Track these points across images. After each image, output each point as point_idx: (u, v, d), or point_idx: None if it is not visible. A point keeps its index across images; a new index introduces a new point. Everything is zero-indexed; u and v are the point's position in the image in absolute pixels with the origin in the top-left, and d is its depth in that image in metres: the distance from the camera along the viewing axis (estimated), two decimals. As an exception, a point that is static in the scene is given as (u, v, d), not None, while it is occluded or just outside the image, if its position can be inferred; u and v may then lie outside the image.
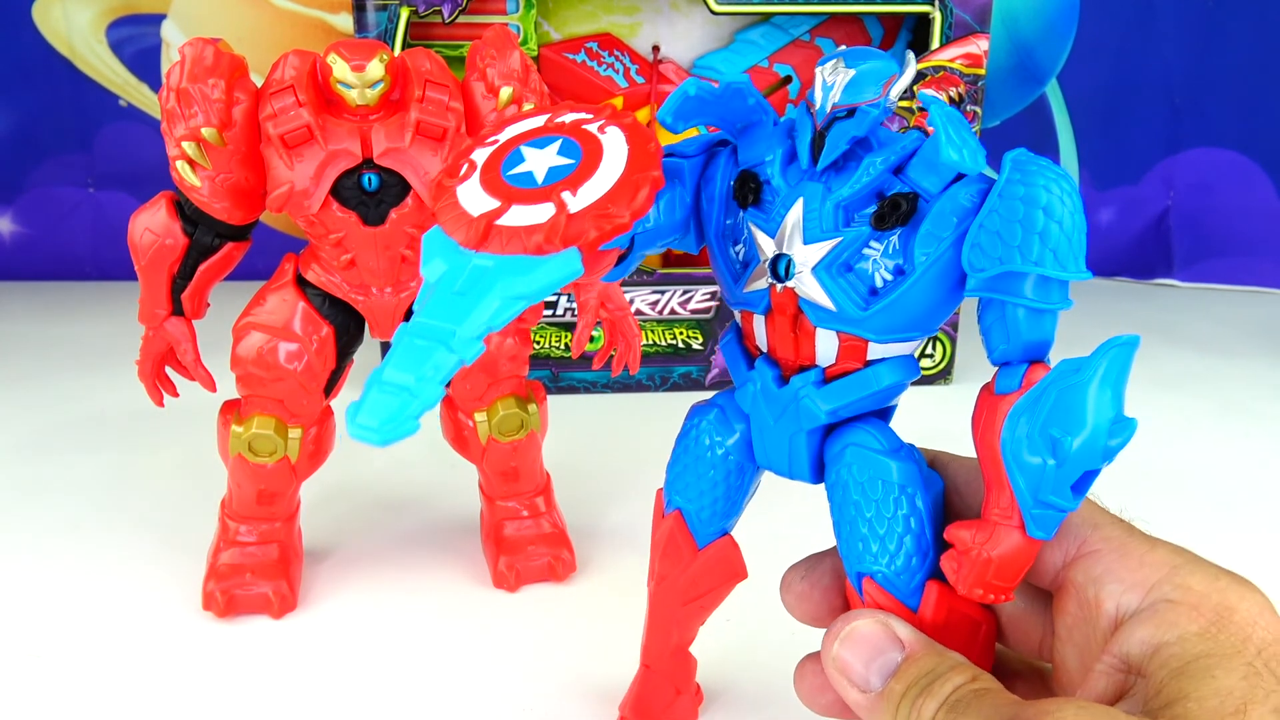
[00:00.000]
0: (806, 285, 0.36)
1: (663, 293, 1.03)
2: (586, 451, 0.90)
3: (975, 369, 1.07)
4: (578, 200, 0.33)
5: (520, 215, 0.33)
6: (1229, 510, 0.82)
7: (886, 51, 1.08)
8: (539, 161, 0.35)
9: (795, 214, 0.36)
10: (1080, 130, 1.58)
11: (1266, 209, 1.58)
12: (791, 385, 0.38)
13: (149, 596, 0.68)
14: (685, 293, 1.03)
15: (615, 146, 0.35)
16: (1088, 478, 0.32)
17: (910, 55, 0.35)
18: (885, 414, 0.39)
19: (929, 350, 1.05)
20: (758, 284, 0.37)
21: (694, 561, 0.44)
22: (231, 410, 0.65)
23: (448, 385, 0.68)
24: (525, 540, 0.70)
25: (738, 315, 0.40)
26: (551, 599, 0.68)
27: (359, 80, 0.57)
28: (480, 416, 0.67)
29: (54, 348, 1.19)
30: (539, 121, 0.37)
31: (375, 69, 0.57)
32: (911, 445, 0.38)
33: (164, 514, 0.79)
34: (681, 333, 1.04)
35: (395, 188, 0.59)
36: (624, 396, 1.05)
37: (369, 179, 0.59)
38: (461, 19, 0.94)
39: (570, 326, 1.03)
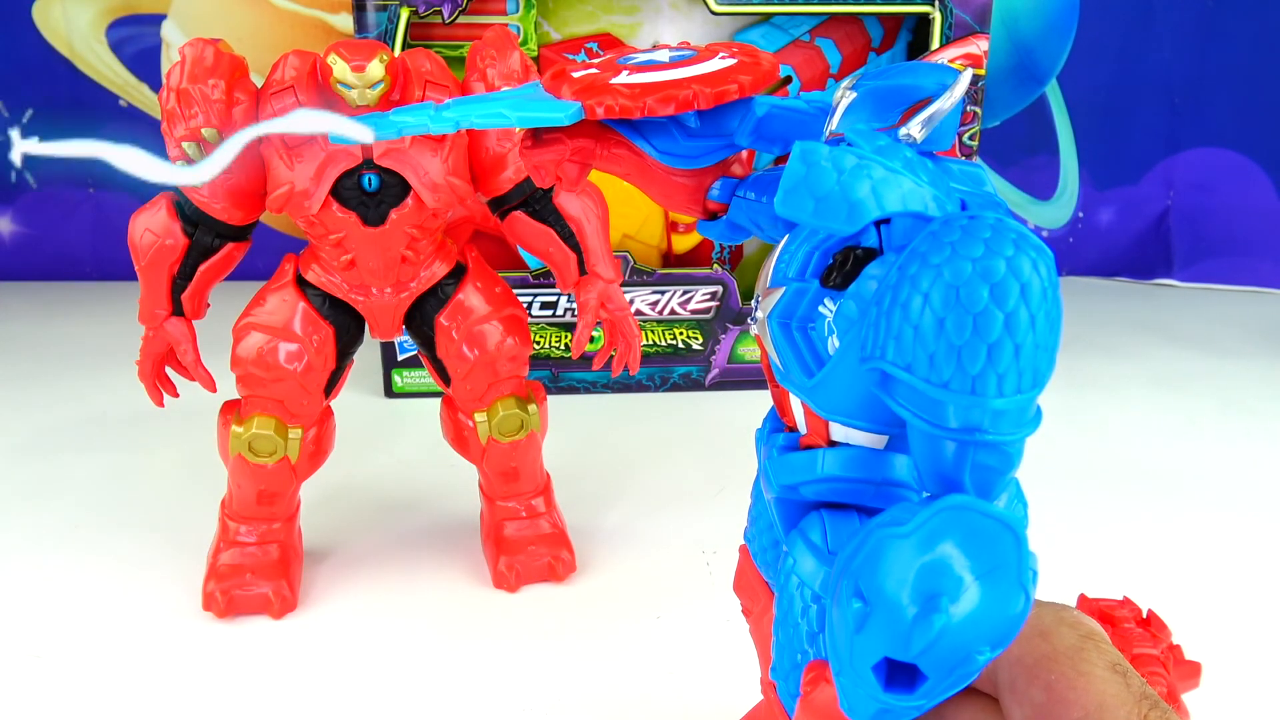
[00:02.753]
0: (764, 333, 0.31)
1: (663, 293, 1.03)
2: (586, 451, 0.90)
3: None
4: (625, 79, 0.34)
5: (580, 70, 0.35)
6: (1229, 510, 0.82)
7: (884, 54, 1.08)
8: (654, 57, 0.36)
9: (778, 250, 0.32)
10: (1080, 130, 1.59)
11: (1266, 209, 1.58)
12: (769, 443, 0.33)
13: (149, 597, 0.68)
14: (685, 293, 1.03)
15: (711, 65, 0.34)
16: (911, 674, 0.23)
17: (959, 79, 0.28)
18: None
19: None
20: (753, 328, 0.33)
21: (770, 607, 0.38)
22: (231, 410, 0.65)
23: (447, 384, 0.68)
24: (525, 540, 0.70)
25: None
26: (551, 599, 0.68)
27: (359, 81, 0.57)
28: (480, 417, 0.67)
29: (54, 348, 1.19)
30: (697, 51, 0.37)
31: (375, 69, 0.57)
32: None
33: (164, 514, 0.79)
34: (681, 333, 1.04)
35: (395, 188, 0.59)
36: (624, 396, 1.05)
37: (369, 179, 0.59)
38: (461, 19, 0.94)
39: (570, 327, 1.03)
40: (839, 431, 0.30)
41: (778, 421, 0.33)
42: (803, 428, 0.32)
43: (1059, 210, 1.62)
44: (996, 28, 1.47)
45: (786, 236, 0.32)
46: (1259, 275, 1.58)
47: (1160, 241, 1.61)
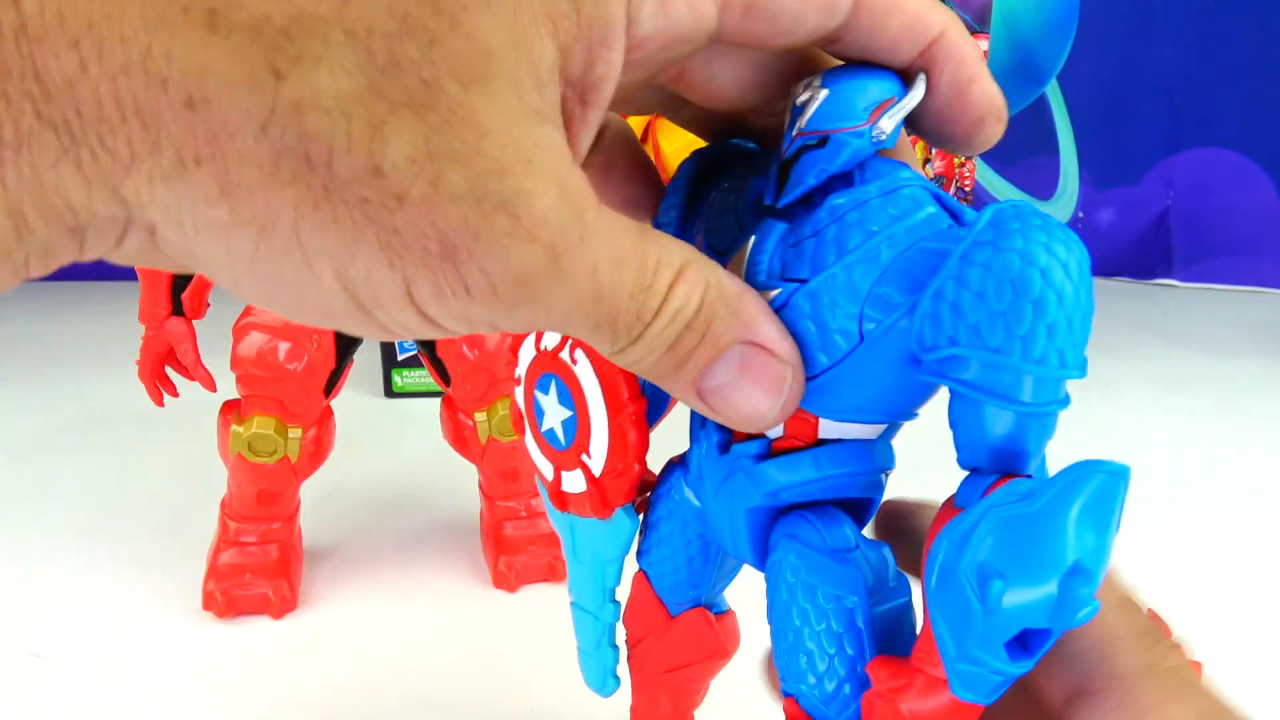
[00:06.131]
0: None
1: (663, 293, 1.03)
2: (586, 451, 0.90)
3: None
4: (595, 460, 0.36)
5: (570, 482, 0.37)
6: (1229, 510, 0.82)
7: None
8: (553, 415, 0.38)
9: (742, 254, 0.30)
10: (1080, 130, 1.59)
11: (1266, 209, 1.59)
12: (731, 454, 0.32)
13: (149, 596, 0.68)
14: (685, 293, 1.03)
15: (589, 380, 0.36)
16: (1035, 638, 0.25)
17: (921, 77, 0.29)
18: (860, 507, 0.32)
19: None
20: None
21: (667, 630, 0.40)
22: (231, 410, 0.65)
23: (447, 384, 0.68)
24: (525, 540, 0.70)
25: None
26: (551, 599, 0.68)
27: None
28: (480, 416, 0.67)
29: (54, 348, 1.19)
30: (531, 350, 0.38)
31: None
32: (875, 544, 0.31)
33: (164, 514, 0.79)
34: (681, 333, 1.04)
35: (395, 188, 0.59)
36: (624, 396, 1.05)
37: (369, 179, 0.59)
38: (461, 19, 0.94)
39: (570, 326, 1.03)
40: (831, 429, 0.30)
41: (720, 434, 0.33)
42: (776, 432, 0.31)
43: (1059, 210, 1.62)
44: (996, 28, 1.47)
45: (753, 239, 0.30)
46: (1259, 275, 1.58)
47: (1160, 241, 1.62)
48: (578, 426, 0.37)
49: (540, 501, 0.71)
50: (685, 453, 0.37)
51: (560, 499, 0.38)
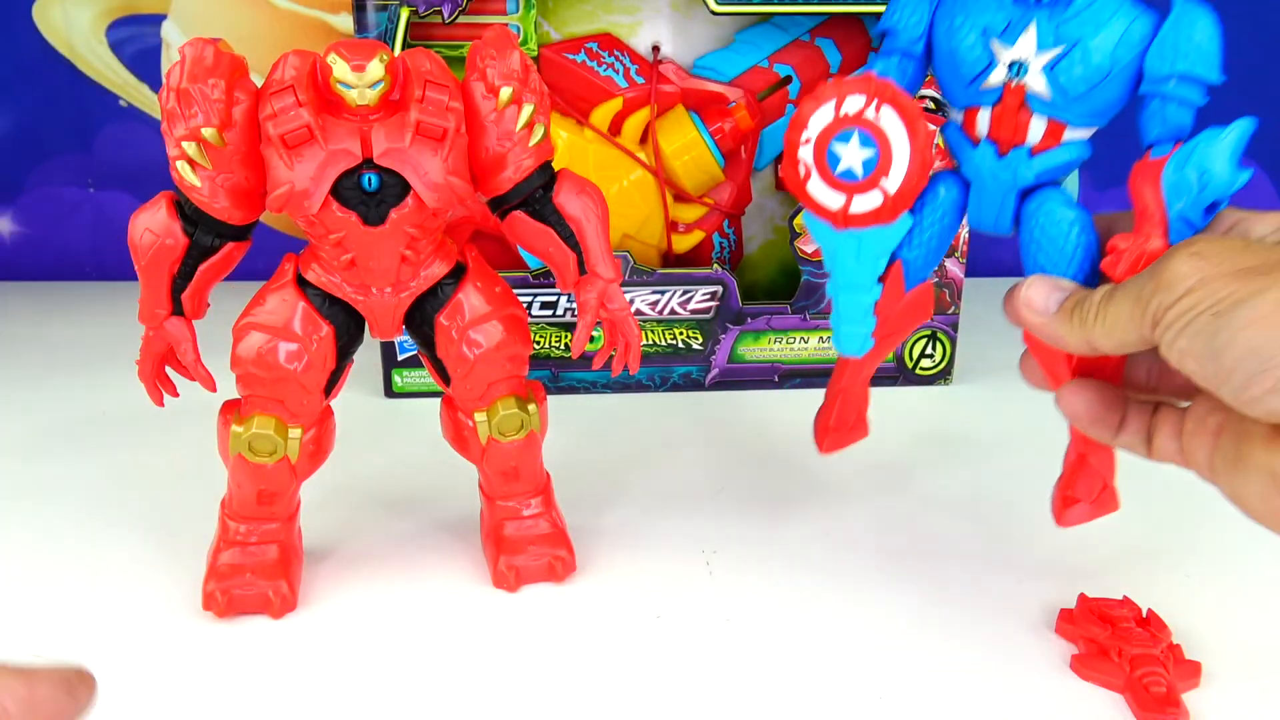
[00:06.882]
0: (1034, 82, 0.52)
1: (663, 293, 1.03)
2: (586, 451, 0.90)
3: (974, 370, 1.07)
4: (892, 180, 0.54)
5: (862, 204, 0.55)
6: (1229, 509, 0.81)
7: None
8: (852, 158, 0.54)
9: (1030, 32, 0.51)
10: (1080, 130, 1.59)
11: (1266, 209, 1.59)
12: (1010, 156, 0.54)
13: (149, 596, 0.68)
14: (685, 293, 1.03)
15: (894, 127, 0.53)
16: (1214, 208, 0.49)
17: None
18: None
19: (929, 350, 1.05)
20: (994, 82, 0.53)
21: (898, 302, 0.59)
22: (231, 410, 0.65)
23: (447, 384, 0.68)
24: (525, 540, 0.70)
25: (958, 115, 0.55)
26: (551, 599, 0.68)
27: (359, 80, 0.57)
28: (480, 416, 0.67)
29: (54, 348, 1.19)
30: (829, 114, 0.54)
31: (375, 69, 0.57)
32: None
33: (164, 514, 0.79)
34: (681, 333, 1.04)
35: (395, 188, 0.59)
36: (624, 396, 1.05)
37: (369, 179, 0.59)
38: (461, 19, 0.94)
39: (570, 326, 1.03)
40: (1070, 135, 0.53)
41: (993, 144, 0.54)
42: (1035, 140, 0.53)
43: (1059, 210, 1.62)
44: (996, 28, 1.47)
45: (1033, 24, 0.52)
46: (1259, 275, 1.58)
47: (1160, 242, 1.62)
48: (879, 160, 0.54)
49: (540, 501, 0.71)
50: (944, 171, 0.58)
51: (845, 220, 0.56)
